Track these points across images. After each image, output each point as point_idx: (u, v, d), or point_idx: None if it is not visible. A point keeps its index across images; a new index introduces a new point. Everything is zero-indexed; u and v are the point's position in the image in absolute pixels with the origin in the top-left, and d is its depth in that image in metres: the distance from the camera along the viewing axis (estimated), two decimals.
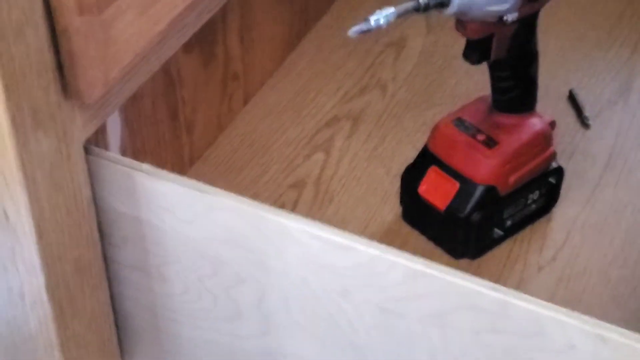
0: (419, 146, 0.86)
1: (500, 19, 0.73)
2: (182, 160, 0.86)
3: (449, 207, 0.81)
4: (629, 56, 1.00)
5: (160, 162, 0.83)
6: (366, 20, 0.68)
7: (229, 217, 0.60)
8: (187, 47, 0.81)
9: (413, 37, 1.03)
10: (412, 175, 0.84)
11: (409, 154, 0.89)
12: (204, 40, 0.84)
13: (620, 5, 1.06)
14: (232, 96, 0.92)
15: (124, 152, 0.77)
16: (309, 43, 1.01)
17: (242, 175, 0.89)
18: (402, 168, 0.85)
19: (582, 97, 0.96)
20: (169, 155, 0.84)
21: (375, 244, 0.58)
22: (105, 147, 0.74)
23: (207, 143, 0.89)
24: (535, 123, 0.83)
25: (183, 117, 0.84)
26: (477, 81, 0.97)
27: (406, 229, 0.85)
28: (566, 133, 0.92)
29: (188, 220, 0.62)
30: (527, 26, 0.77)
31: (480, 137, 0.81)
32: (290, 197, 0.87)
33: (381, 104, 0.96)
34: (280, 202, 0.86)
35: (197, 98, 0.85)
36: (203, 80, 0.85)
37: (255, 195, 0.87)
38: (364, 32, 0.68)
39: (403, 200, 0.86)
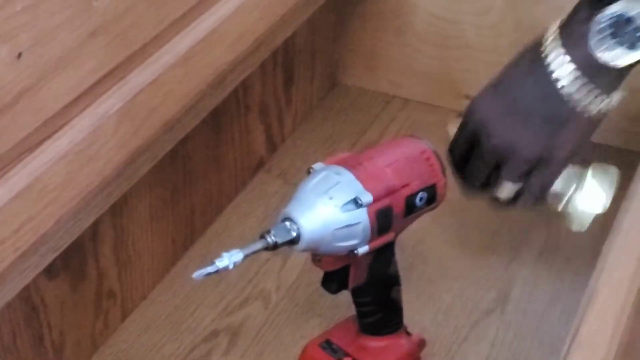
0: None
1: (351, 252, 0.75)
2: None
3: None
4: (509, 263, 1.02)
5: None
6: (212, 263, 0.69)
7: None
8: (51, 272, 0.81)
9: None
10: None
11: None
12: (71, 263, 0.84)
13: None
14: (108, 314, 0.91)
15: None
16: (194, 253, 1.02)
17: None
18: None
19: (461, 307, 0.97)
20: None
21: None
22: None
23: None
24: (402, 344, 0.84)
25: (49, 343, 0.84)
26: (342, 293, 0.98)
27: None
28: (443, 344, 0.93)
29: None
30: (383, 254, 0.79)
31: None
32: None
33: (262, 316, 0.96)
34: None
35: (66, 321, 0.85)
36: (72, 302, 0.85)
37: None
38: (210, 275, 0.69)
39: None
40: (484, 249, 1.04)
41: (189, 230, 1.02)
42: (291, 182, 1.13)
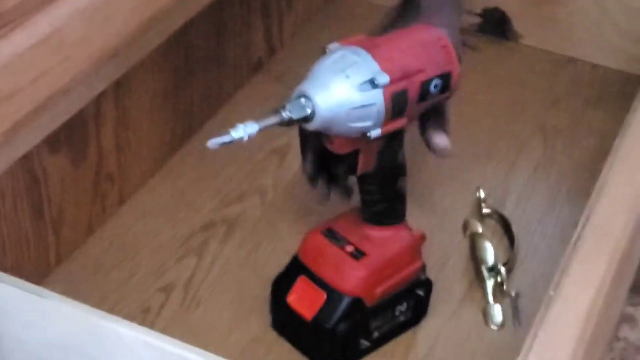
0: (293, 253, 0.87)
1: (364, 134, 0.74)
2: (47, 260, 0.85)
3: (315, 318, 0.80)
4: (505, 174, 1.02)
5: (23, 262, 0.81)
6: (227, 133, 0.68)
7: (64, 323, 0.59)
8: (54, 146, 0.80)
9: (296, 145, 1.04)
10: (281, 284, 0.84)
11: (283, 261, 0.89)
12: (74, 140, 0.83)
13: (500, 124, 1.09)
14: (106, 197, 0.91)
15: None
16: (191, 147, 1.01)
17: (110, 277, 0.87)
18: (275, 275, 0.86)
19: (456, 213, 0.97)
20: (33, 254, 0.82)
21: (212, 356, 0.57)
22: None
23: (76, 243, 0.88)
24: (404, 236, 0.83)
25: (49, 217, 0.83)
26: (355, 192, 0.98)
27: (272, 337, 0.83)
28: (439, 247, 0.93)
29: (23, 324, 0.60)
30: (393, 141, 0.78)
31: (349, 248, 0.82)
32: (156, 301, 0.85)
33: (259, 210, 0.96)
34: (146, 306, 0.85)
35: (65, 198, 0.84)
36: (72, 180, 0.84)
37: (121, 299, 0.85)
38: (224, 144, 0.69)
39: (272, 309, 0.85)
40: (480, 160, 1.04)
41: (188, 123, 1.01)
42: (288, 86, 1.12)
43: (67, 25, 0.63)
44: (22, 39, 0.60)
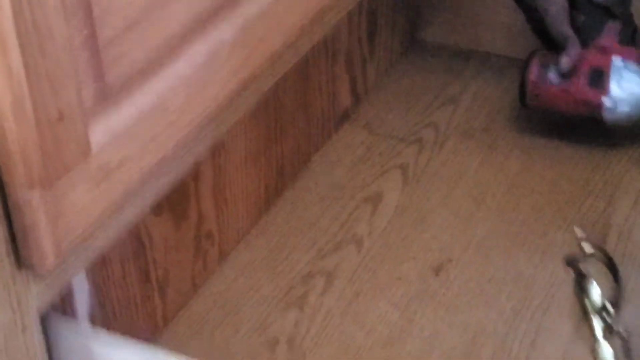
0: (394, 300, 0.88)
1: None
2: (155, 321, 0.86)
3: None
4: (604, 209, 1.01)
5: (132, 325, 0.83)
6: None
7: None
8: (157, 210, 0.82)
9: (388, 192, 1.05)
10: None
11: (384, 309, 0.89)
12: (175, 202, 0.85)
13: (595, 157, 1.08)
14: (206, 255, 0.92)
15: (92, 317, 0.77)
16: (284, 201, 1.03)
17: (216, 334, 0.88)
18: (376, 324, 0.86)
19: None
20: (141, 317, 0.84)
21: None
22: (72, 312, 0.74)
23: (181, 303, 0.89)
24: None
25: (155, 279, 0.85)
26: (452, 235, 0.98)
27: None
28: (543, 284, 0.92)
29: None
30: None
31: None
32: (263, 356, 0.86)
33: (356, 259, 0.97)
34: None
35: (169, 259, 0.86)
36: (175, 241, 0.86)
37: (228, 356, 0.86)
38: None
39: None
40: (576, 196, 1.03)
41: (280, 177, 1.03)
42: (376, 133, 1.13)
43: (170, 94, 0.64)
44: (129, 110, 0.62)
